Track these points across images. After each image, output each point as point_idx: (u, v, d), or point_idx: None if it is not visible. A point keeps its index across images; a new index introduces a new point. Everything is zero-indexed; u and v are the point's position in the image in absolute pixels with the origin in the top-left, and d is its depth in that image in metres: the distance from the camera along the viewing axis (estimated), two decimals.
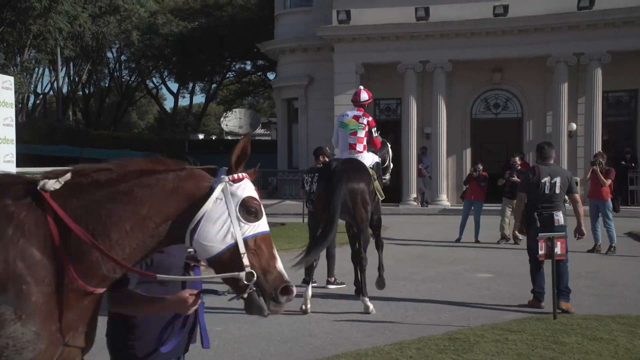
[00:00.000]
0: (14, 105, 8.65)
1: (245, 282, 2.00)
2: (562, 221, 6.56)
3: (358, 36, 19.39)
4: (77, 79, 36.03)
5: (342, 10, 19.33)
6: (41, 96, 39.21)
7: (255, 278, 2.00)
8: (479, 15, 18.30)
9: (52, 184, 2.00)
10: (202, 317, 2.60)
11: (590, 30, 17.83)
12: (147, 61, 34.03)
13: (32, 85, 34.09)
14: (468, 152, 20.15)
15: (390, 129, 22.09)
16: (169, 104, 49.33)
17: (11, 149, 8.45)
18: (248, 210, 2.07)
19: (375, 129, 7.42)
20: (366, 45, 19.44)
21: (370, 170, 6.88)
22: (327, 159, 8.07)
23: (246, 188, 2.11)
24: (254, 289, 2.02)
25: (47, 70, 35.79)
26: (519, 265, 9.20)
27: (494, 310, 6.42)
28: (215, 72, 36.46)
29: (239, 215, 2.04)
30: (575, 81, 18.67)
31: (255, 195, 2.12)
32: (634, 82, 18.91)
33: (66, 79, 35.25)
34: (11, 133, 8.42)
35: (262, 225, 2.08)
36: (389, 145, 8.01)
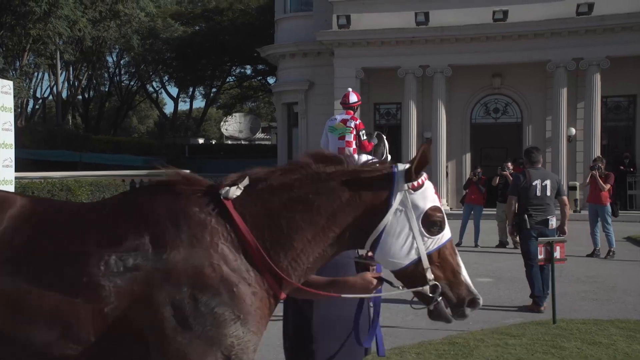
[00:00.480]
0: (13, 110, 8.66)
1: (430, 295, 1.99)
2: (555, 225, 6.77)
3: (358, 41, 19.46)
4: (76, 84, 36.10)
5: (342, 15, 19.41)
6: (40, 101, 39.27)
7: (440, 289, 1.99)
8: (478, 21, 18.37)
9: (234, 192, 2.02)
10: (378, 321, 2.51)
11: (589, 36, 17.90)
12: (147, 66, 34.14)
13: (32, 90, 34.15)
14: (468, 157, 20.20)
15: (390, 133, 22.22)
16: (169, 108, 49.55)
17: (10, 154, 8.47)
18: (432, 224, 2.00)
19: (363, 132, 7.38)
20: (366, 50, 19.49)
21: None
22: None
23: (427, 196, 2.02)
24: (440, 299, 2.01)
25: (46, 75, 35.91)
26: (519, 269, 9.21)
27: (494, 315, 6.43)
28: (216, 77, 36.60)
29: (422, 230, 1.99)
30: (575, 86, 18.73)
31: (437, 203, 2.03)
32: (632, 88, 18.99)
33: (66, 84, 35.34)
34: (10, 138, 8.44)
35: (445, 235, 2.03)
36: (385, 137, 7.97)
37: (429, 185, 2.05)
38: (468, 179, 13.50)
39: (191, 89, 39.58)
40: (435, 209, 2.03)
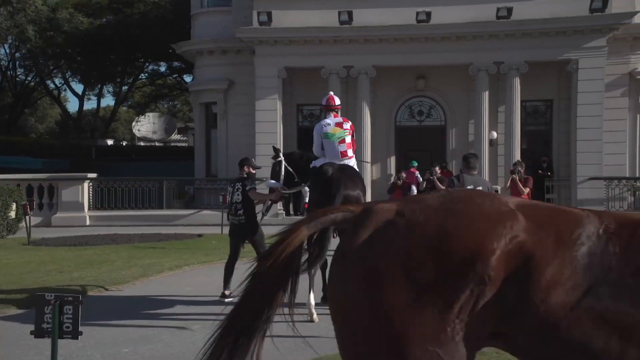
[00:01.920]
0: None
1: None
2: None
3: (280, 39, 19.47)
4: None
5: (262, 11, 19.34)
6: None
7: None
8: (402, 21, 18.87)
9: None
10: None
11: (509, 40, 18.87)
12: (47, 60, 32.43)
13: None
14: (392, 160, 20.70)
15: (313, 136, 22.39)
16: (72, 106, 47.17)
17: None
18: None
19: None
20: (288, 49, 19.54)
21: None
22: (252, 170, 8.32)
23: None
24: None
25: None
26: None
27: None
28: (127, 74, 35.30)
29: None
30: (496, 90, 19.68)
31: None
32: (549, 92, 20.24)
33: None
34: None
35: None
36: (281, 153, 8.56)
37: None
38: (392, 183, 13.84)
39: (98, 86, 37.99)
40: None
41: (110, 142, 37.27)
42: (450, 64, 19.58)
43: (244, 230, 8.14)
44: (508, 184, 11.49)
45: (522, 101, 19.44)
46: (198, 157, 22.61)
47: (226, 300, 7.93)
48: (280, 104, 19.93)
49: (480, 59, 19.01)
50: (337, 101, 7.93)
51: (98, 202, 19.39)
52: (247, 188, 8.08)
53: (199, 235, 15.18)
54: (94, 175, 20.17)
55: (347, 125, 7.77)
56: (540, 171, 19.32)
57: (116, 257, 11.30)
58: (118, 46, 29.69)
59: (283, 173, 8.00)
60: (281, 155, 8.18)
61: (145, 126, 36.68)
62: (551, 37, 18.68)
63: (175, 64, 33.92)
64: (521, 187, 10.89)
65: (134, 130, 37.96)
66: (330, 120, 7.74)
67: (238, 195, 8.11)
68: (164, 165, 26.15)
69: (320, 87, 19.96)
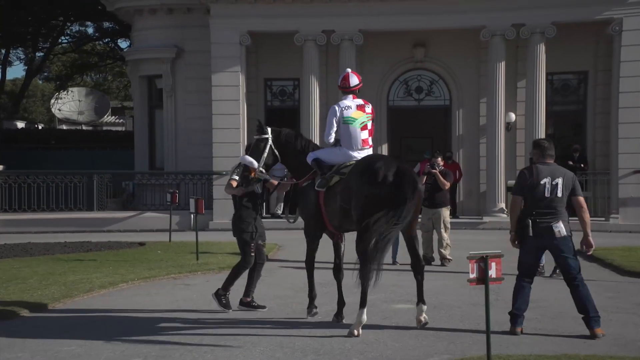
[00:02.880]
0: None
1: None
2: (564, 232, 7.15)
3: None
4: None
5: None
6: None
7: None
8: None
9: None
10: None
11: None
12: None
13: None
14: (385, 149, 20.81)
15: (286, 118, 22.43)
16: None
17: None
18: None
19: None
20: (253, 8, 19.52)
21: None
22: None
23: None
24: None
25: None
26: (449, 293, 9.63)
27: (417, 352, 6.69)
28: (41, 36, 34.66)
29: None
30: (515, 60, 19.93)
31: None
32: (583, 62, 20.38)
33: None
34: None
35: None
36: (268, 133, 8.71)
37: None
38: None
39: (3, 52, 37.20)
40: None
41: (20, 124, 36.72)
42: (456, 28, 19.73)
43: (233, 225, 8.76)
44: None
45: (548, 74, 19.67)
46: (139, 145, 22.48)
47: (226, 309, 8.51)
48: (244, 79, 19.89)
49: (494, 21, 19.17)
50: (354, 80, 8.23)
51: (5, 203, 19.20)
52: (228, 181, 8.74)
53: (141, 244, 15.13)
54: None
55: (369, 108, 8.15)
56: (570, 162, 19.49)
57: (30, 272, 11.16)
58: (30, 1, 29.19)
59: (266, 154, 8.22)
60: (268, 131, 8.36)
61: (69, 105, 36.26)
62: None
63: (107, 24, 33.56)
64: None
65: (53, 110, 37.50)
66: (350, 102, 8.09)
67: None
68: (94, 155, 25.97)
69: (294, 57, 20.03)
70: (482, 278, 6.19)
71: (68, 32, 35.98)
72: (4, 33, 32.12)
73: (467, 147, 20.54)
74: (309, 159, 8.12)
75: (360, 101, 8.14)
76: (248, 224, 8.57)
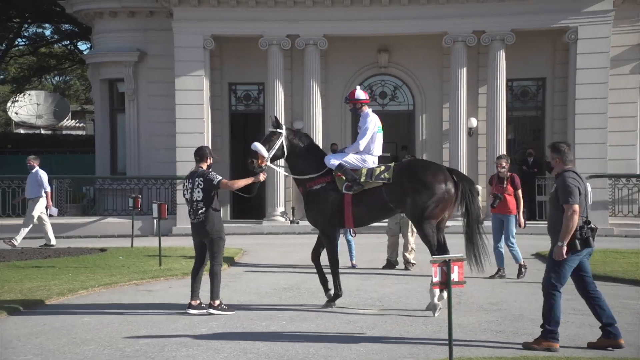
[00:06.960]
0: None
1: None
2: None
3: None
4: None
5: None
6: None
7: None
8: None
9: None
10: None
11: (492, 3, 19.22)
12: None
13: None
14: None
15: (251, 122, 22.38)
16: None
17: None
18: None
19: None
20: (217, 12, 19.45)
21: None
22: (211, 162, 8.92)
23: None
24: None
25: None
26: (412, 297, 9.70)
27: (379, 355, 6.73)
28: None
29: None
30: (476, 66, 20.10)
31: None
32: (542, 69, 20.62)
33: None
34: None
35: None
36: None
37: None
38: None
39: None
40: None
41: None
42: (419, 34, 19.88)
43: (203, 228, 8.65)
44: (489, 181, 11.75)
45: (508, 80, 19.93)
46: (100, 149, 22.22)
47: (191, 312, 8.54)
48: (208, 83, 19.81)
49: (456, 28, 19.38)
50: (362, 95, 9.67)
51: None
52: (215, 182, 8.56)
53: (102, 250, 14.95)
54: None
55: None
56: (524, 167, 19.71)
57: None
58: None
59: (277, 147, 8.90)
60: (283, 128, 9.07)
61: (26, 108, 35.69)
62: (544, 0, 19.10)
63: (66, 26, 33.09)
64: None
65: (9, 114, 36.85)
66: (372, 114, 9.47)
67: (199, 192, 8.56)
68: (53, 159, 25.54)
69: (258, 61, 20.00)
70: (445, 282, 6.27)
71: (24, 34, 35.41)
72: None
73: (430, 151, 20.69)
74: (330, 163, 8.85)
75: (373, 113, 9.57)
76: (222, 224, 8.82)
